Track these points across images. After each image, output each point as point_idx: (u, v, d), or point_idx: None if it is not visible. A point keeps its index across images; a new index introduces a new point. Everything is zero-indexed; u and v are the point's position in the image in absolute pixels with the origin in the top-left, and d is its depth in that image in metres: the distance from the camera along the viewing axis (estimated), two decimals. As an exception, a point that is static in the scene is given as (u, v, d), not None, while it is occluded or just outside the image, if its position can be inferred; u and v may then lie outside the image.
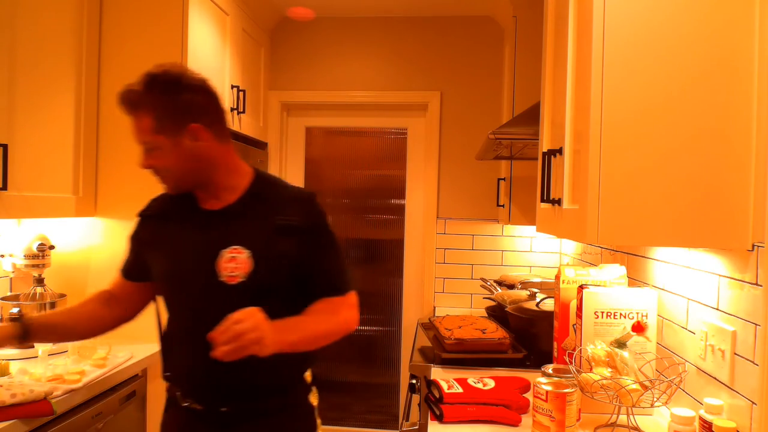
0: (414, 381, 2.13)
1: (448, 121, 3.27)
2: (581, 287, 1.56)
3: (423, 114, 3.35)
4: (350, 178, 3.44)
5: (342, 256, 1.47)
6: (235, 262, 1.34)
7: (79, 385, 1.66)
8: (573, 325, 1.65)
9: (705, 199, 1.19)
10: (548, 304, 2.20)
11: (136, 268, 1.51)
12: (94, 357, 1.88)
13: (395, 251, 3.41)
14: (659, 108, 1.20)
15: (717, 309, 1.34)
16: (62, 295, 2.07)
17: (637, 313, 1.52)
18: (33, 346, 1.88)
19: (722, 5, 1.18)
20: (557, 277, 1.72)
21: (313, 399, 1.51)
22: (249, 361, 1.17)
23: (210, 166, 1.39)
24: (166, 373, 1.45)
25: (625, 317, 1.52)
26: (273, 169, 3.32)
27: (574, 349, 1.57)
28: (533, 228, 3.10)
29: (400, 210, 3.40)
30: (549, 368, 1.44)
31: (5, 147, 1.69)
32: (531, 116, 2.06)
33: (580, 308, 1.54)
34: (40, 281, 2.06)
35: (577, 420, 1.38)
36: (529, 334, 2.16)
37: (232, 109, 2.68)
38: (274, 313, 1.29)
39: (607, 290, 1.54)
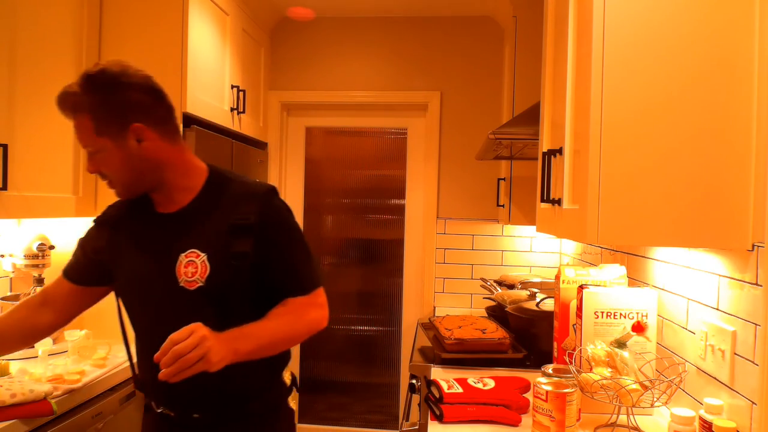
0: (414, 381, 2.13)
1: (448, 121, 3.27)
2: (581, 287, 1.56)
3: (423, 114, 3.35)
4: (350, 178, 3.44)
5: (307, 253, 1.40)
6: (193, 267, 1.29)
7: (79, 385, 1.66)
8: (573, 325, 1.65)
9: (705, 199, 1.19)
10: (548, 304, 2.20)
11: (79, 271, 1.45)
12: (94, 357, 1.88)
13: (395, 251, 3.41)
14: (659, 108, 1.20)
15: (717, 309, 1.34)
16: (62, 295, 2.07)
17: (637, 313, 1.52)
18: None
19: (722, 5, 1.18)
20: (557, 277, 1.72)
21: (293, 403, 1.46)
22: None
23: (159, 167, 1.33)
24: (135, 380, 1.42)
25: (625, 317, 1.52)
26: (273, 169, 3.33)
27: (574, 349, 1.57)
28: (533, 228, 3.10)
29: (400, 210, 3.40)
30: (549, 368, 1.44)
31: (5, 147, 1.69)
32: (531, 116, 2.06)
33: (580, 308, 1.54)
34: (40, 281, 2.06)
35: (577, 420, 1.38)
36: (529, 334, 2.16)
37: (232, 109, 2.68)
38: (239, 316, 1.27)
39: (607, 290, 1.54)
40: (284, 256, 1.36)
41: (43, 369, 1.71)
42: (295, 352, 3.41)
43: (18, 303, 1.48)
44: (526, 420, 1.51)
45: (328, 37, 3.32)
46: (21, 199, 1.81)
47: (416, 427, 2.05)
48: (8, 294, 2.07)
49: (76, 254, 1.48)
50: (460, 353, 2.03)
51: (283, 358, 1.44)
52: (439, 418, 1.52)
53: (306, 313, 1.36)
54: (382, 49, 3.31)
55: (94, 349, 1.91)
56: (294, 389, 1.49)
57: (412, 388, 2.13)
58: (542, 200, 1.58)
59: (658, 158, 1.20)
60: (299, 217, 3.43)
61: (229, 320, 1.24)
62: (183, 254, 1.30)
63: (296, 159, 3.45)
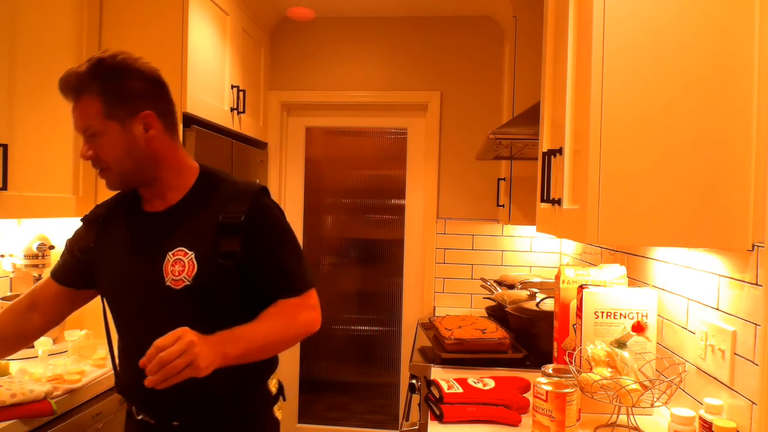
0: (414, 381, 2.13)
1: (448, 121, 3.27)
2: (581, 287, 1.56)
3: (423, 114, 3.35)
4: (350, 178, 3.44)
5: (298, 254, 1.38)
6: (180, 265, 1.27)
7: (79, 385, 1.66)
8: (573, 325, 1.65)
9: (705, 199, 1.19)
10: (548, 304, 2.20)
11: (67, 272, 1.44)
12: (94, 357, 1.88)
13: (395, 251, 3.41)
14: (659, 108, 1.20)
15: (717, 309, 1.34)
16: (62, 295, 2.07)
17: (637, 313, 1.52)
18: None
19: (722, 6, 1.18)
20: (557, 277, 1.72)
21: (278, 412, 1.43)
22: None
23: (157, 161, 1.32)
24: (117, 385, 1.40)
25: (625, 317, 1.52)
26: (273, 169, 3.32)
27: (574, 349, 1.57)
28: (533, 228, 3.10)
29: (400, 210, 3.40)
30: (549, 368, 1.44)
31: (5, 147, 1.70)
32: (531, 116, 2.06)
33: (580, 308, 1.54)
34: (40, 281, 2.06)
35: (577, 420, 1.38)
36: (529, 334, 2.16)
37: (232, 109, 2.68)
38: (227, 317, 1.25)
39: (607, 290, 1.54)
40: (274, 256, 1.34)
41: (43, 369, 1.71)
42: (295, 352, 3.41)
43: (6, 306, 1.46)
44: (526, 420, 1.51)
45: (327, 37, 3.32)
46: (21, 199, 1.81)
47: (416, 427, 2.05)
48: (8, 294, 2.07)
49: (63, 256, 1.46)
50: (460, 353, 2.03)
51: (270, 364, 1.40)
52: (439, 418, 1.52)
53: (298, 315, 1.33)
54: (382, 49, 3.31)
55: (94, 349, 1.91)
56: (281, 398, 1.45)
57: (412, 388, 2.13)
58: (542, 200, 1.58)
59: (658, 158, 1.20)
60: (299, 217, 3.43)
61: (216, 321, 1.21)
62: (171, 252, 1.28)
63: (296, 159, 3.45)
